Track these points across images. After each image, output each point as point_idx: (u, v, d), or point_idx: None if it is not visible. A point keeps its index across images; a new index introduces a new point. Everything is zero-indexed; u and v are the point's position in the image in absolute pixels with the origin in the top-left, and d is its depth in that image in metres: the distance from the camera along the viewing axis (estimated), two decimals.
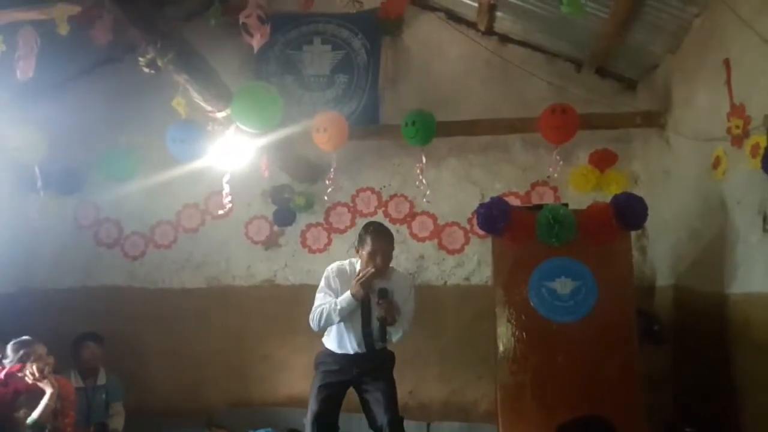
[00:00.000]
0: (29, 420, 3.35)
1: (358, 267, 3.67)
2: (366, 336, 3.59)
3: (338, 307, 3.52)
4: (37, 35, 3.05)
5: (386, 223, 4.96)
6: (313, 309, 3.61)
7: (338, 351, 3.64)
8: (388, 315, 3.46)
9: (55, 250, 5.22)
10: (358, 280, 3.49)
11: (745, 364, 3.36)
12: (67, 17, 2.93)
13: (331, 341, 3.68)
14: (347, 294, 3.52)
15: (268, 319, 4.95)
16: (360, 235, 3.69)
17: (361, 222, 4.89)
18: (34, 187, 4.18)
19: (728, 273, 3.53)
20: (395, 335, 3.61)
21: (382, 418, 3.51)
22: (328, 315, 3.53)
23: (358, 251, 3.68)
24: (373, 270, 3.51)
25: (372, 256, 3.56)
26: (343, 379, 3.62)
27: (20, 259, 5.07)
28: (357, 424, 3.85)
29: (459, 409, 4.81)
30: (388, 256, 3.62)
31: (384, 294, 3.48)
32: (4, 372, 3.49)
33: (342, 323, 3.59)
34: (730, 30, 3.36)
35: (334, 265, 3.76)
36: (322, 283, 3.70)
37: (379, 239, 3.60)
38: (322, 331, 3.67)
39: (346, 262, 3.76)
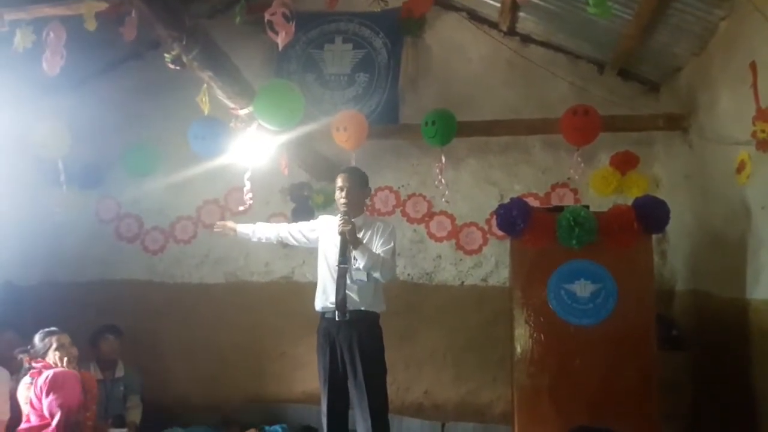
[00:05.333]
0: None
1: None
2: (339, 285, 3.51)
3: None
4: (64, 31, 3.08)
5: (404, 222, 5.02)
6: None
7: (320, 309, 3.62)
8: (348, 233, 3.44)
9: (77, 244, 5.28)
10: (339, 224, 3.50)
11: (766, 371, 3.32)
12: (94, 13, 2.96)
13: (316, 299, 3.67)
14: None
15: (285, 315, 4.97)
16: None
17: None
18: (57, 182, 4.25)
19: (750, 279, 3.49)
20: (360, 259, 3.48)
21: (360, 423, 3.49)
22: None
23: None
24: (343, 221, 3.48)
25: (338, 189, 3.62)
26: (334, 358, 3.55)
27: (42, 253, 5.14)
28: None
29: (474, 410, 4.80)
30: (350, 190, 3.60)
31: (345, 213, 3.52)
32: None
33: (323, 276, 3.63)
34: (758, 33, 3.31)
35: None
36: None
37: (340, 174, 3.67)
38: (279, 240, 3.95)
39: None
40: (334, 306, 3.53)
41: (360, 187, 3.69)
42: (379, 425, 3.49)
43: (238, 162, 3.87)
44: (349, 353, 3.51)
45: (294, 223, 4.00)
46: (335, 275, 3.55)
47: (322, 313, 3.64)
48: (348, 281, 3.53)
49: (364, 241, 3.55)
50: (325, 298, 3.60)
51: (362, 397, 3.47)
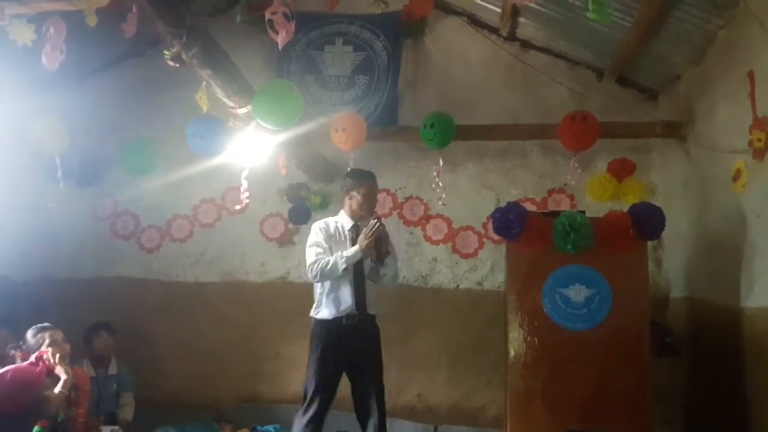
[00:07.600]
0: None
1: (341, 223, 3.71)
2: (358, 288, 3.55)
3: (344, 257, 3.49)
4: (64, 26, 3.08)
5: (400, 225, 5.02)
6: (312, 262, 3.56)
7: (329, 317, 3.56)
8: (383, 241, 3.51)
9: (73, 241, 5.26)
10: (367, 234, 3.50)
11: (759, 379, 3.33)
12: (95, 9, 2.96)
13: (324, 308, 3.60)
14: (355, 248, 3.51)
15: (280, 316, 4.96)
16: (348, 181, 3.72)
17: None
18: (54, 178, 4.24)
19: (745, 287, 3.50)
20: (389, 269, 3.57)
21: (368, 417, 3.54)
22: (334, 265, 3.48)
23: (348, 194, 3.70)
24: (381, 225, 3.52)
25: (368, 197, 3.64)
26: (338, 366, 3.56)
27: (38, 249, 5.12)
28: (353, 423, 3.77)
29: (467, 414, 4.80)
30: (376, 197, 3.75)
31: (378, 219, 3.55)
32: (35, 354, 3.53)
33: (336, 281, 3.57)
34: (756, 42, 3.33)
35: (320, 223, 3.75)
36: (313, 239, 3.67)
37: (370, 180, 3.71)
38: (321, 280, 3.58)
39: (329, 219, 3.79)
40: (348, 311, 3.54)
41: None
42: (383, 425, 3.54)
43: (236, 161, 3.88)
44: (360, 356, 3.56)
45: (322, 255, 3.64)
46: (352, 280, 3.56)
47: (327, 320, 3.57)
48: (367, 285, 3.59)
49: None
50: (337, 305, 3.56)
51: (371, 397, 3.52)
